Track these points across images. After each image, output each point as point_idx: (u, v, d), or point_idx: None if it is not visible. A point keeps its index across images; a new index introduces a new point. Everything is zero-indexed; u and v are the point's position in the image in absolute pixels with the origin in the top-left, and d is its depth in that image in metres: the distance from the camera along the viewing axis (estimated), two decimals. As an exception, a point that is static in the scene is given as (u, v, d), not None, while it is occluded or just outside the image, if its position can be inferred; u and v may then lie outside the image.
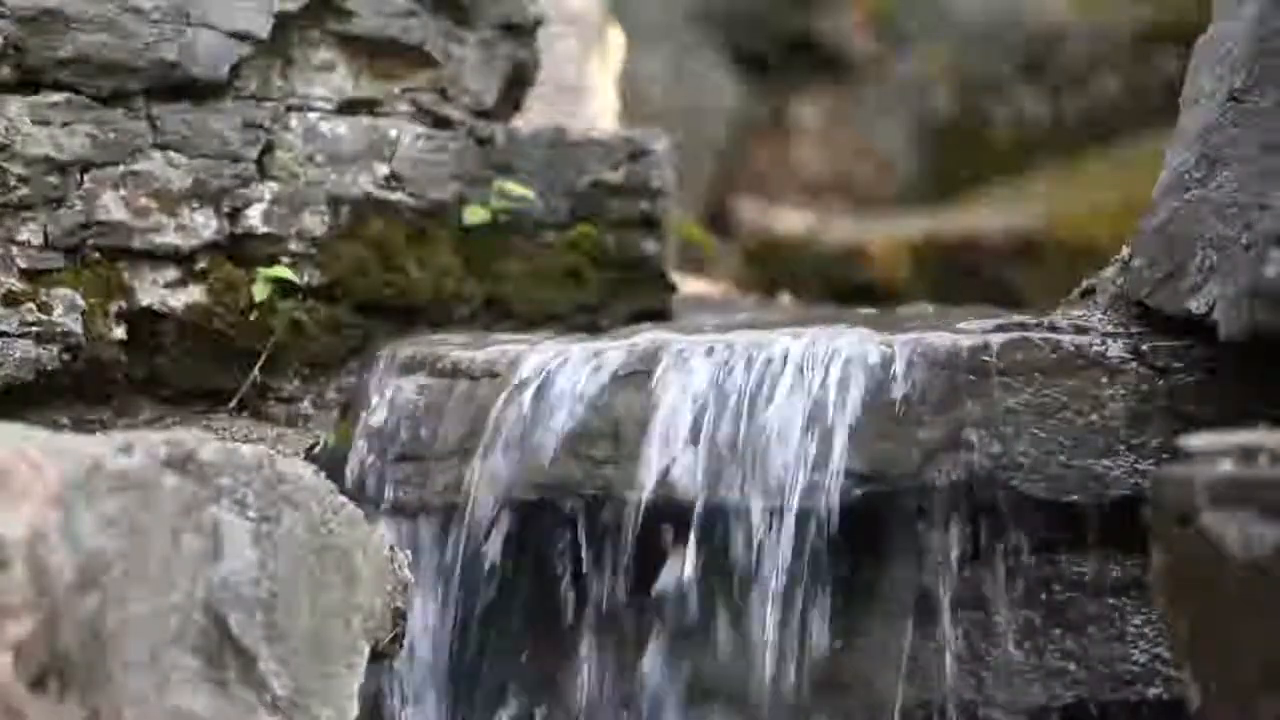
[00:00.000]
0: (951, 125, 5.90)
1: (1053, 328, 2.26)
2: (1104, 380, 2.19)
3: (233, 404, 2.54)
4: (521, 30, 2.77)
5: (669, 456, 2.20)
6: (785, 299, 3.76)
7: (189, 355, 2.52)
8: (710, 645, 2.20)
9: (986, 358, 2.20)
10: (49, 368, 2.40)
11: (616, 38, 4.11)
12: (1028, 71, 5.83)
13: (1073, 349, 2.20)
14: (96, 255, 2.45)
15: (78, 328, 2.41)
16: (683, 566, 2.18)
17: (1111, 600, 2.18)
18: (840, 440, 2.17)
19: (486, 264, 2.70)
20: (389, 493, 2.34)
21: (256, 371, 2.54)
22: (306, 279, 2.57)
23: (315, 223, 2.58)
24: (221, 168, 2.51)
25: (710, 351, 2.26)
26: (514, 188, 2.70)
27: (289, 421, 2.56)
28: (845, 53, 6.13)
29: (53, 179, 2.41)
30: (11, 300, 2.38)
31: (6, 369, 2.37)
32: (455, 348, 2.44)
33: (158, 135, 2.48)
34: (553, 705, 2.27)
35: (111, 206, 2.45)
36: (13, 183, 2.39)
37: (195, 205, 2.50)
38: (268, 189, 2.55)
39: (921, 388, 2.19)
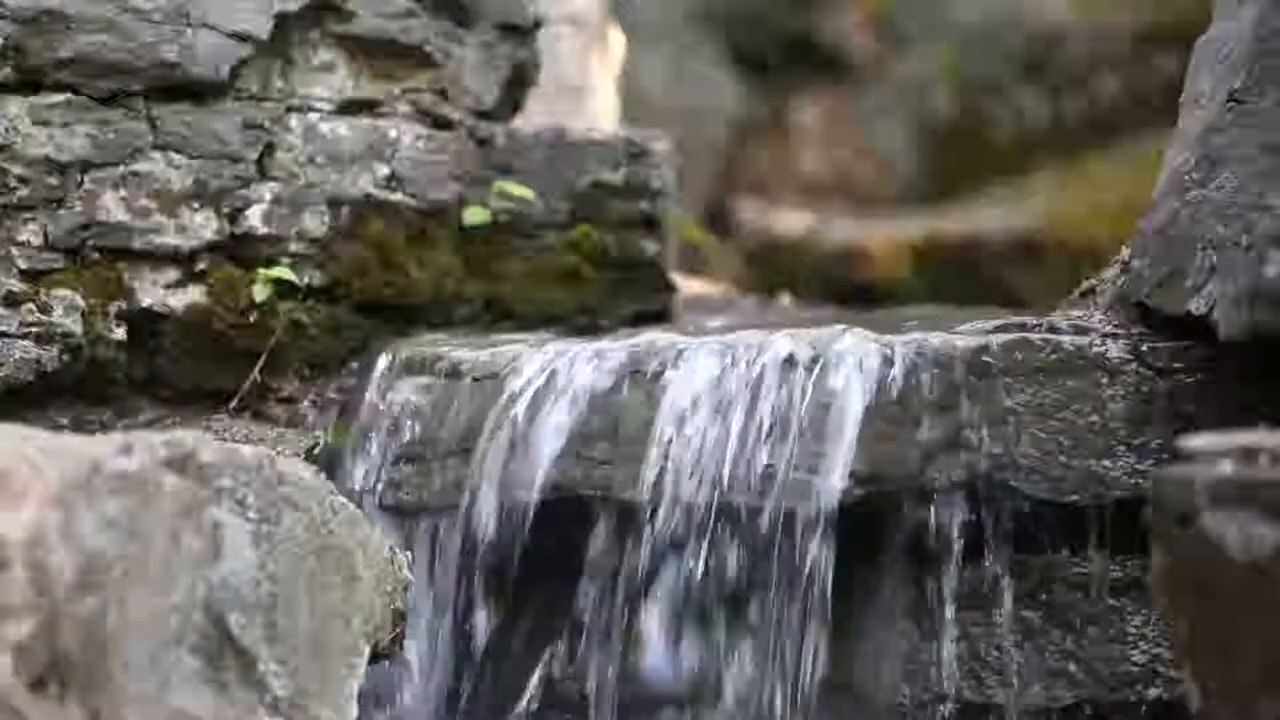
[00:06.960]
0: (951, 125, 5.90)
1: (1053, 328, 2.26)
2: (1104, 381, 2.19)
3: (233, 404, 2.54)
4: (521, 30, 2.77)
5: (669, 457, 2.20)
6: (785, 299, 3.76)
7: (189, 356, 2.52)
8: (711, 646, 2.20)
9: (987, 358, 2.20)
10: (49, 368, 2.40)
11: (616, 38, 4.12)
12: (1028, 72, 5.83)
13: (1073, 349, 2.20)
14: (96, 255, 2.45)
15: (78, 328, 2.41)
16: (683, 566, 2.18)
17: (1111, 600, 2.18)
18: (840, 441, 2.17)
19: (486, 264, 2.70)
20: (389, 493, 2.34)
21: (256, 372, 2.54)
22: (306, 279, 2.57)
23: (315, 223, 2.58)
24: (221, 168, 2.51)
25: (710, 352, 2.26)
26: (514, 188, 2.70)
27: (289, 422, 2.56)
28: (845, 53, 6.14)
29: (53, 179, 2.41)
30: (11, 300, 2.38)
31: (6, 369, 2.37)
32: (455, 348, 2.44)
33: (158, 136, 2.48)
34: (554, 704, 2.27)
35: (111, 207, 2.45)
36: (13, 183, 2.39)
37: (195, 206, 2.50)
38: (268, 189, 2.55)
39: (922, 388, 2.19)
